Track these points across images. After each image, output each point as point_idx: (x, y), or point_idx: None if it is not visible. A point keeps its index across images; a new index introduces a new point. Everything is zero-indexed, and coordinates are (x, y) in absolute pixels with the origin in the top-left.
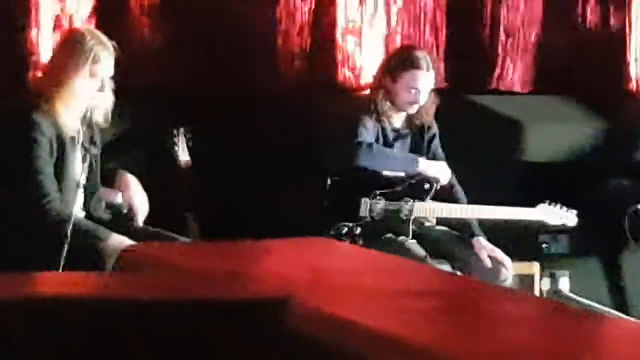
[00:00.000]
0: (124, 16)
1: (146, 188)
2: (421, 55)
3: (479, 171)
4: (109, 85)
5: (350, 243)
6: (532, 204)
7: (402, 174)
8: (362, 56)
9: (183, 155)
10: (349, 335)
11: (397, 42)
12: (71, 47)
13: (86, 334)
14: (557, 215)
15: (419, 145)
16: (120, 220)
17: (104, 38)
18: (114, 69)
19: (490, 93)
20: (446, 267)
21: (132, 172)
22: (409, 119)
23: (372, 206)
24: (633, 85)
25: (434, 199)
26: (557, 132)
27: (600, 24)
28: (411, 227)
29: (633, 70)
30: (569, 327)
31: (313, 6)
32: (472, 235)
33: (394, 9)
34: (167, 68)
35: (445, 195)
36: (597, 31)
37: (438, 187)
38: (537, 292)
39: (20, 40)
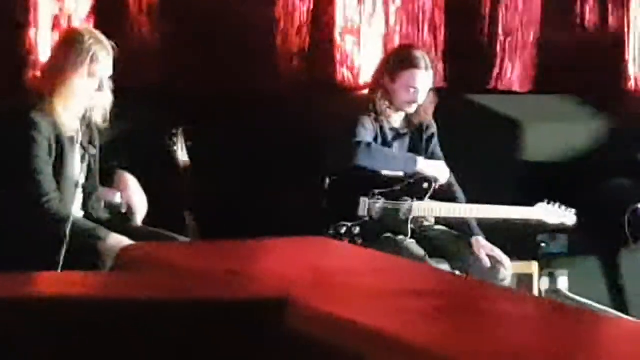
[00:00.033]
0: (123, 16)
1: (145, 188)
2: (419, 54)
3: (478, 171)
4: (108, 85)
5: (349, 242)
6: (531, 203)
7: (401, 174)
8: (361, 56)
9: (182, 155)
10: (347, 335)
11: (396, 41)
12: (70, 46)
13: (85, 333)
14: (555, 214)
15: (418, 144)
16: (119, 219)
17: (103, 38)
18: (112, 69)
19: (489, 92)
20: (445, 267)
21: (131, 172)
22: (408, 119)
23: (370, 206)
24: (631, 84)
25: (432, 198)
26: (555, 131)
27: (599, 24)
28: (410, 226)
29: (631, 70)
30: (568, 327)
31: (312, 6)
32: (471, 234)
33: (392, 9)
34: (165, 68)
35: (443, 194)
36: (596, 31)
37: (437, 187)
38: (535, 292)
39: (19, 40)
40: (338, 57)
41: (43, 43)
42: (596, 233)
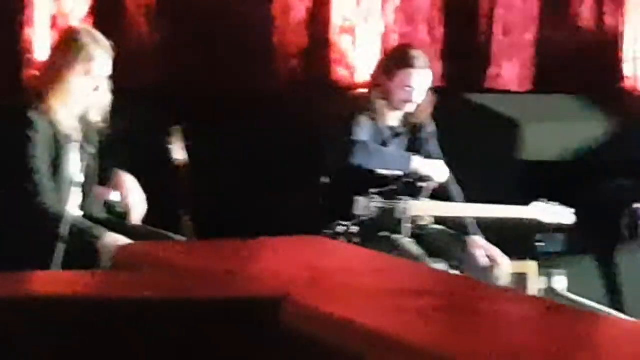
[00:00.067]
0: (121, 16)
1: (143, 187)
2: (417, 54)
3: (476, 170)
4: (106, 84)
5: (346, 242)
6: (528, 202)
7: (398, 173)
8: (358, 55)
9: (180, 154)
10: (345, 334)
11: (394, 40)
12: (67, 45)
13: (83, 332)
14: (552, 213)
15: (415, 143)
16: (117, 219)
17: (101, 37)
18: (111, 69)
19: (486, 92)
20: (442, 266)
21: (130, 172)
22: (405, 118)
23: (367, 205)
24: (628, 83)
25: (430, 197)
26: (553, 130)
27: (595, 23)
28: (407, 225)
29: (628, 69)
30: (566, 327)
31: (309, 5)
32: (468, 233)
33: (390, 8)
34: (163, 67)
35: (440, 193)
36: (593, 30)
37: (434, 186)
38: (532, 291)
39: (17, 39)
40: (335, 56)
41: (41, 42)
42: (593, 232)
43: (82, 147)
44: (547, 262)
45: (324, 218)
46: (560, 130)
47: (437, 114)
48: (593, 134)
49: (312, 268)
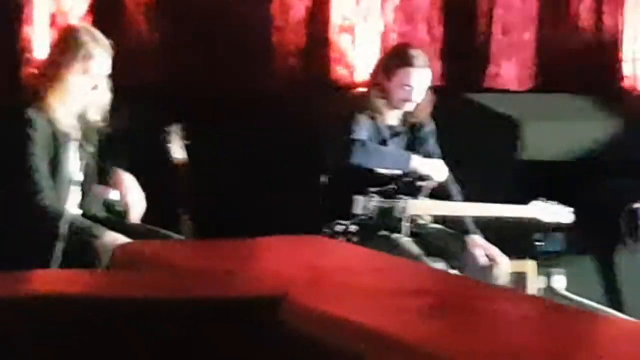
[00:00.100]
0: (120, 14)
1: (142, 186)
2: (416, 53)
3: (474, 169)
4: (105, 83)
5: (345, 241)
6: (527, 202)
7: (397, 172)
8: (357, 54)
9: (178, 153)
10: (344, 334)
11: (393, 39)
12: (66, 43)
13: (82, 331)
14: (551, 212)
15: (415, 143)
16: (116, 217)
17: (100, 35)
18: (110, 68)
19: (485, 91)
20: (441, 265)
21: (129, 170)
22: (405, 117)
23: (366, 204)
24: (627, 82)
25: (429, 196)
26: (552, 130)
27: (594, 23)
28: (406, 224)
29: (627, 68)
30: (565, 326)
31: (308, 3)
32: (467, 232)
33: (389, 7)
34: (162, 66)
35: (439, 192)
36: (592, 29)
37: (433, 185)
38: (532, 290)
39: (16, 38)
40: (334, 55)
41: (40, 41)
42: (592, 232)
43: (81, 146)
44: (546, 262)
45: (323, 217)
46: (559, 130)
47: (436, 113)
48: (592, 133)
49: (311, 267)
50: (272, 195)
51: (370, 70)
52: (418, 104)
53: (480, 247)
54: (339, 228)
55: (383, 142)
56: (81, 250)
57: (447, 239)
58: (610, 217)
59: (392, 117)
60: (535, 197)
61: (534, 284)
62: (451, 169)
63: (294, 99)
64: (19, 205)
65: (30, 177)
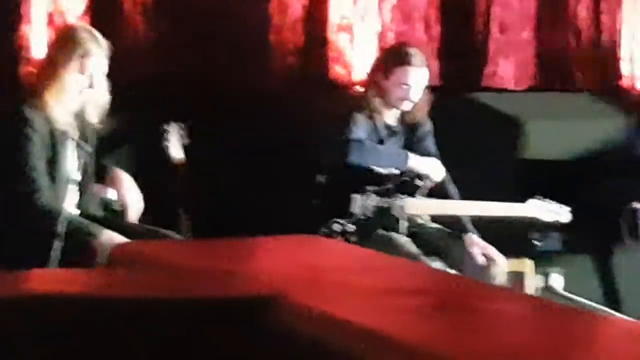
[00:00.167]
0: (118, 13)
1: (140, 185)
2: (413, 51)
3: (473, 168)
4: (103, 83)
5: (342, 240)
6: (525, 201)
7: (394, 171)
8: (355, 53)
9: (176, 152)
10: (340, 333)
11: (390, 39)
12: (62, 41)
13: (79, 331)
14: (549, 211)
15: (412, 142)
16: (114, 217)
17: (98, 35)
18: (108, 67)
19: (483, 90)
20: (439, 265)
21: (126, 170)
22: (402, 116)
23: (363, 203)
24: (625, 82)
25: (426, 195)
26: (550, 129)
27: (592, 22)
28: (403, 224)
29: (625, 67)
30: (563, 325)
31: (306, 3)
32: (465, 232)
33: (387, 6)
34: (160, 65)
35: (437, 192)
36: (590, 28)
37: (430, 184)
38: (529, 290)
39: (14, 37)
40: (332, 54)
41: (38, 40)
42: (591, 231)
43: (79, 145)
44: (544, 261)
45: (320, 216)
46: (557, 129)
47: (434, 113)
48: (590, 132)
49: (309, 267)
50: (269, 195)
51: (368, 70)
52: (415, 103)
53: (478, 247)
54: (336, 227)
55: (381, 142)
56: (79, 249)
57: (445, 238)
58: (609, 217)
59: (390, 117)
60: (532, 196)
61: (532, 283)
62: (449, 168)
63: (291, 98)
64: (16, 205)
65: (28, 176)
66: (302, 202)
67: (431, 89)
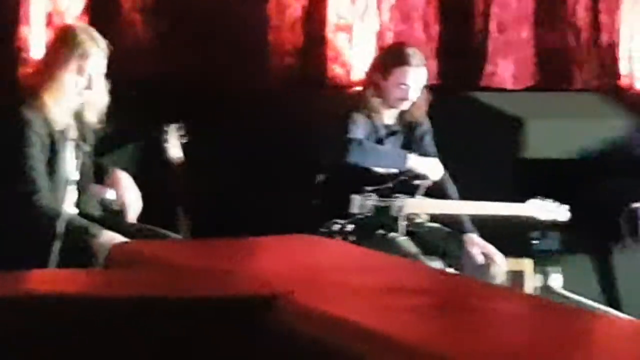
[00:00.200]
0: (116, 13)
1: (139, 185)
2: (411, 51)
3: (472, 168)
4: (102, 84)
5: (341, 240)
6: (524, 200)
7: (393, 171)
8: (354, 53)
9: (175, 152)
10: (339, 333)
11: (389, 38)
12: (61, 41)
13: (79, 331)
14: (547, 210)
15: (411, 141)
16: (113, 217)
17: (97, 35)
18: (107, 67)
19: (482, 89)
20: (438, 264)
21: (125, 169)
22: (401, 116)
23: (362, 203)
24: (624, 81)
25: (425, 195)
26: (549, 129)
27: (590, 21)
28: (402, 223)
29: (624, 67)
30: (561, 325)
31: (305, 3)
32: (464, 231)
33: (385, 6)
34: (159, 65)
35: (436, 191)
36: (588, 28)
37: (429, 184)
38: (529, 289)
39: (13, 37)
40: (330, 54)
41: (36, 40)
42: (590, 231)
43: (77, 145)
44: (543, 260)
45: (319, 216)
46: (556, 129)
47: (433, 112)
48: (589, 132)
49: (308, 267)
50: (268, 195)
51: (367, 69)
52: (414, 103)
53: (478, 246)
54: (335, 227)
55: (379, 141)
56: (78, 249)
57: (444, 237)
58: (609, 216)
59: (389, 116)
60: (531, 196)
61: (531, 283)
62: (448, 168)
63: (290, 98)
64: (16, 205)
65: (27, 177)
66: (302, 202)
67: (430, 88)
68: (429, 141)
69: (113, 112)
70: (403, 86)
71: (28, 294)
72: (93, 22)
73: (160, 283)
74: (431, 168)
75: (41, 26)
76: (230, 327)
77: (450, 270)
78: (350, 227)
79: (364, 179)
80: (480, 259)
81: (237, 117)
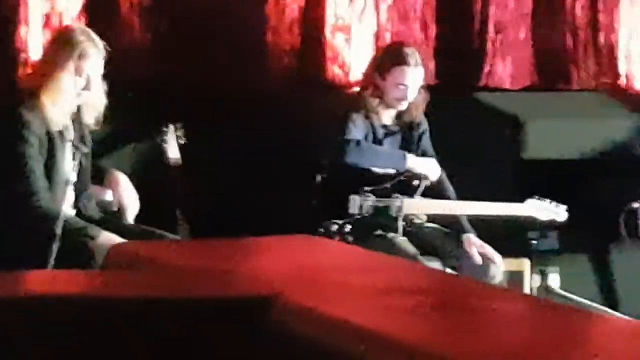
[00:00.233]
0: (114, 14)
1: (137, 186)
2: (409, 51)
3: (470, 168)
4: (99, 85)
5: (340, 240)
6: (523, 200)
7: (391, 171)
8: (352, 53)
9: (173, 152)
10: (337, 333)
11: (387, 38)
12: (59, 42)
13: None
14: (546, 210)
15: (409, 141)
16: (111, 218)
17: (95, 36)
18: (104, 68)
19: (480, 89)
20: (436, 264)
21: (122, 170)
22: (399, 116)
23: (361, 203)
24: (622, 81)
25: (423, 195)
26: (548, 128)
27: (589, 20)
28: (401, 224)
29: (622, 66)
30: (560, 325)
31: (302, 3)
32: (462, 231)
33: (383, 6)
34: (157, 66)
35: (434, 191)
36: (587, 27)
37: (427, 184)
38: (527, 289)
39: (11, 38)
40: (329, 54)
41: (34, 41)
42: (589, 231)
43: (75, 146)
44: (541, 260)
45: (318, 217)
46: (555, 128)
47: (431, 112)
48: (588, 132)
49: (307, 267)
50: (267, 195)
51: (365, 70)
52: (412, 103)
53: (476, 246)
54: (334, 228)
55: (378, 142)
56: (76, 250)
57: (442, 238)
58: (609, 217)
59: (387, 116)
60: (530, 196)
61: (529, 283)
62: (446, 168)
63: (288, 99)
64: (15, 206)
65: (25, 178)
66: (301, 202)
67: (428, 88)
68: (426, 141)
69: (111, 113)
70: (401, 86)
71: (27, 295)
72: (91, 23)
73: (159, 283)
74: (429, 168)
75: (39, 27)
76: (230, 327)
77: (449, 270)
78: (348, 227)
79: (363, 179)
80: (478, 259)
81: (235, 118)
